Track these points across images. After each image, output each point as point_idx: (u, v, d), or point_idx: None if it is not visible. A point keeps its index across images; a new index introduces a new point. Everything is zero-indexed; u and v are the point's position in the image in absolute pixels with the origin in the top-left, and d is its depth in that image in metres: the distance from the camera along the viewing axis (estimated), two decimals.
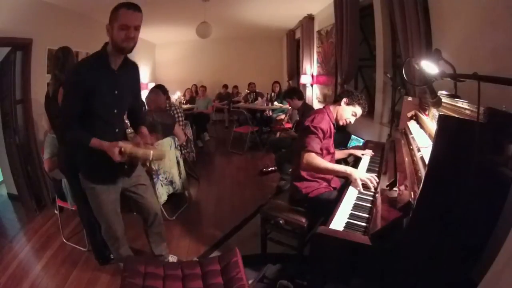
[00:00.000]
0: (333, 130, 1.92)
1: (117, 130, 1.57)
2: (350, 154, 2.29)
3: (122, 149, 1.42)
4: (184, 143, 3.36)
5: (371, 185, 1.63)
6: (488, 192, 0.97)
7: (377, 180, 1.64)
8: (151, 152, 1.47)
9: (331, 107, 1.94)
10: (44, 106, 1.96)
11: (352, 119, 1.92)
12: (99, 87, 1.44)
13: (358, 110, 1.90)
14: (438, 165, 0.99)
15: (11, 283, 1.92)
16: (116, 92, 1.51)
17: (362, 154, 2.20)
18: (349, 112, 1.90)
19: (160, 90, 3.04)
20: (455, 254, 1.02)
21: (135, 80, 1.69)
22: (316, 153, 1.77)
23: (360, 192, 1.61)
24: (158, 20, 4.91)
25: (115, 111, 1.55)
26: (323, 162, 1.77)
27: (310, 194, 1.85)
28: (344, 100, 1.90)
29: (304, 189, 1.87)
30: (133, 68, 1.64)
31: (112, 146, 1.42)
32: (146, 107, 2.99)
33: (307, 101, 5.03)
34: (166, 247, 2.07)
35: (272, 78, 6.55)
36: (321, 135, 1.80)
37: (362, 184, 1.65)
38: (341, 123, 1.94)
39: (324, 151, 1.90)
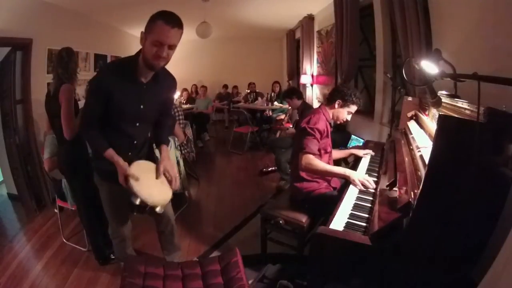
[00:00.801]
0: (329, 129, 1.93)
1: (135, 142, 1.49)
2: (351, 154, 2.29)
3: (130, 183, 1.35)
4: (185, 143, 3.36)
5: (368, 185, 1.64)
6: (488, 192, 0.97)
7: (374, 186, 1.65)
8: (156, 200, 1.40)
9: (327, 107, 1.95)
10: (45, 105, 1.96)
11: (349, 117, 1.95)
12: (122, 99, 1.35)
13: (353, 108, 1.92)
14: (438, 165, 0.99)
15: (11, 283, 1.92)
16: (141, 106, 1.41)
17: (364, 154, 2.20)
18: (344, 113, 1.92)
19: None
20: (455, 254, 1.02)
21: (167, 93, 1.54)
22: (314, 154, 1.77)
23: (360, 192, 1.61)
24: None
25: (137, 124, 1.46)
26: (321, 164, 1.77)
27: (311, 194, 1.86)
28: (338, 102, 1.90)
29: (304, 190, 1.87)
30: (168, 81, 1.50)
31: (122, 170, 1.37)
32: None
33: (307, 101, 5.04)
34: (180, 256, 1.99)
35: (272, 78, 6.55)
36: (318, 135, 1.80)
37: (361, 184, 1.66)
38: (338, 123, 1.97)
39: (322, 151, 1.90)
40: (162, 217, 1.78)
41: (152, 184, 1.45)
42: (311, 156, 1.76)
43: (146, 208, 1.41)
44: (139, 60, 1.34)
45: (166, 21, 1.21)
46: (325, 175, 1.89)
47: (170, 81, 1.52)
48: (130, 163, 1.42)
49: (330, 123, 1.94)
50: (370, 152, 2.22)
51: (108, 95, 1.33)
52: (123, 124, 1.42)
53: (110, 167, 1.42)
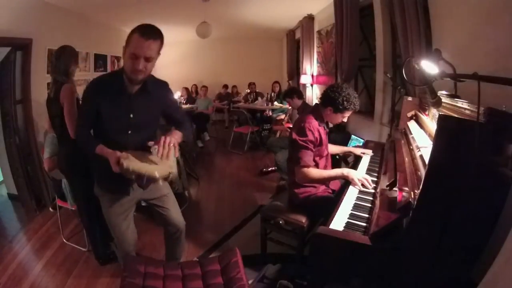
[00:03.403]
0: (323, 132, 1.86)
1: (127, 149, 1.45)
2: (349, 152, 2.27)
3: (121, 161, 1.28)
4: (184, 142, 3.36)
5: (367, 185, 1.63)
6: (488, 192, 0.97)
7: (372, 185, 1.64)
8: (156, 172, 1.30)
9: (321, 110, 1.87)
10: (46, 105, 1.96)
11: (344, 119, 1.87)
12: (111, 110, 1.38)
13: (348, 113, 1.82)
14: (438, 165, 0.99)
15: (11, 283, 1.92)
16: (131, 115, 1.41)
17: (362, 153, 2.18)
18: (337, 118, 1.84)
19: None
20: (455, 254, 1.02)
21: (161, 100, 1.51)
22: (309, 166, 1.74)
23: (360, 192, 1.61)
24: (158, 20, 4.90)
25: (129, 132, 1.44)
26: (317, 173, 1.76)
27: (309, 198, 1.86)
28: (329, 108, 1.81)
29: (302, 195, 1.87)
30: (158, 88, 1.48)
31: (113, 155, 1.31)
32: None
33: (307, 101, 5.04)
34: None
35: (272, 78, 6.55)
36: (311, 146, 1.76)
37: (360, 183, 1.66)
38: (334, 124, 1.92)
39: (317, 158, 1.87)
40: (172, 223, 1.71)
41: (146, 161, 1.39)
42: (306, 169, 1.73)
43: (143, 182, 1.34)
44: (124, 73, 1.36)
45: (141, 34, 1.23)
46: (324, 182, 1.89)
47: (160, 87, 1.51)
48: None
49: (324, 126, 1.89)
50: (369, 151, 2.20)
51: (99, 109, 1.37)
52: (114, 134, 1.43)
53: (111, 177, 1.38)
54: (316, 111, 1.88)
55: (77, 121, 1.53)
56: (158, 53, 1.33)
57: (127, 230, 1.63)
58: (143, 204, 1.80)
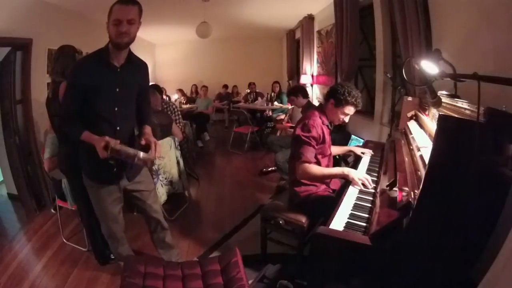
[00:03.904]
0: (326, 131, 1.88)
1: (118, 128, 1.52)
2: (350, 151, 2.27)
3: (109, 144, 1.35)
4: (184, 142, 3.36)
5: (367, 184, 1.63)
6: (488, 192, 0.97)
7: (372, 185, 1.64)
8: (141, 153, 1.39)
9: (324, 107, 1.90)
10: (46, 105, 1.97)
11: (346, 118, 1.86)
12: (98, 85, 1.43)
13: (349, 109, 1.80)
14: (438, 165, 0.99)
15: (11, 283, 1.92)
16: (117, 89, 1.48)
17: (362, 153, 2.18)
18: (338, 114, 1.83)
19: (155, 90, 3.02)
20: (455, 254, 1.02)
21: (142, 78, 1.63)
22: (310, 162, 1.75)
23: (360, 192, 1.61)
24: (158, 20, 4.92)
25: (116, 109, 1.50)
26: (318, 170, 1.76)
27: (310, 197, 1.85)
28: (331, 101, 1.82)
29: (302, 193, 1.87)
30: (140, 66, 1.60)
31: (99, 140, 1.38)
32: None
33: None
34: (178, 254, 2.01)
35: (272, 78, 6.56)
36: (313, 143, 1.77)
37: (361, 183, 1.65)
38: (336, 123, 1.91)
39: (319, 156, 1.86)
40: (150, 216, 1.83)
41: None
42: (307, 164, 1.73)
43: (133, 161, 1.39)
44: (109, 47, 1.45)
45: (121, 2, 1.35)
46: (324, 179, 1.89)
47: (142, 65, 1.62)
48: None
49: (328, 126, 1.89)
50: (368, 151, 2.21)
51: (87, 87, 1.42)
52: (103, 111, 1.48)
53: (98, 167, 1.49)
54: (320, 108, 1.92)
55: (63, 105, 1.55)
56: (139, 19, 1.42)
57: (120, 214, 1.74)
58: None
